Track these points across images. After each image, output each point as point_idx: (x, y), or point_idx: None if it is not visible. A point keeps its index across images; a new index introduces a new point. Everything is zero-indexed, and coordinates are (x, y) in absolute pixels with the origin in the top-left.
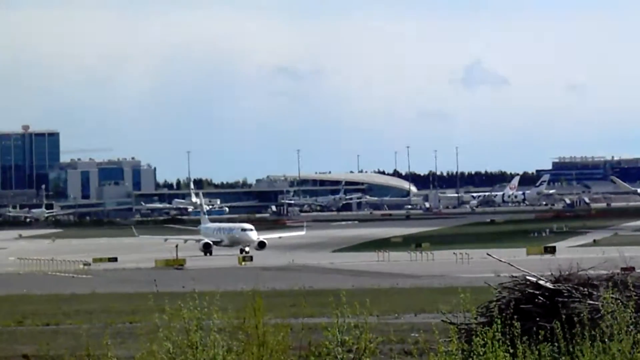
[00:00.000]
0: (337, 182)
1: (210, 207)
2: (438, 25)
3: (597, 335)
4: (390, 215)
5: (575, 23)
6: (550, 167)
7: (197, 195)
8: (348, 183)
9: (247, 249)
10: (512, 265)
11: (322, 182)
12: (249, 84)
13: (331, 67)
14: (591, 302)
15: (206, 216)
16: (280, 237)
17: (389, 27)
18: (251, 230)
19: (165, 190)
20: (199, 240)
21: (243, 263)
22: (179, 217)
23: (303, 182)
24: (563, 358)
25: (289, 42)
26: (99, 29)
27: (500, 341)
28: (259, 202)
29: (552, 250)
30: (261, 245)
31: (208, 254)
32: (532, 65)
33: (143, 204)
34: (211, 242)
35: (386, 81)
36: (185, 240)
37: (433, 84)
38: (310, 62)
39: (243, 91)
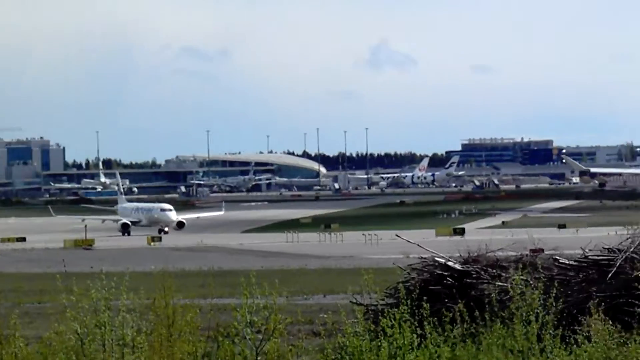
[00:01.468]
0: (247, 163)
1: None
2: (345, 5)
3: (506, 316)
4: (299, 196)
5: (483, 2)
6: (459, 148)
7: (108, 175)
8: (258, 164)
9: (166, 229)
10: (420, 247)
11: (232, 163)
12: (157, 64)
13: (240, 48)
14: (500, 283)
15: (123, 196)
16: (198, 217)
17: (297, 7)
18: (170, 210)
19: (74, 171)
20: (116, 221)
21: (152, 243)
22: (88, 197)
23: (212, 162)
24: (469, 340)
25: (197, 22)
26: (6, 7)
27: (408, 322)
28: (168, 182)
29: (461, 232)
30: (180, 225)
31: (126, 234)
32: (441, 45)
33: (52, 184)
34: (129, 222)
35: (295, 62)
36: (103, 221)
37: (342, 65)
38: (218, 43)
39: (151, 71)
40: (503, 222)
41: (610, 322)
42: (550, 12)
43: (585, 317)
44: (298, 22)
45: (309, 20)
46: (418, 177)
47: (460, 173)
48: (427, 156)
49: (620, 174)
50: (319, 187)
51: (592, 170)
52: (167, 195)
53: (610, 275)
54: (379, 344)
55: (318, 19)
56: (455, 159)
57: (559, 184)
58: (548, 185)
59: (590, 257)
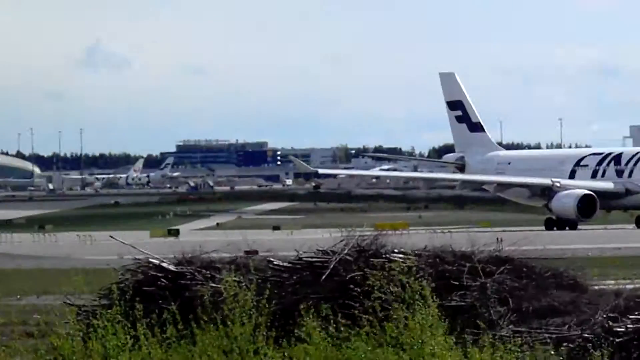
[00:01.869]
0: None
1: None
2: (59, 4)
3: (219, 318)
4: (13, 196)
5: (197, 3)
6: (174, 149)
7: None
8: None
9: None
10: (135, 248)
11: None
12: None
13: None
14: (213, 284)
15: None
16: None
17: (7, 6)
18: None
19: None
20: None
21: None
22: None
23: None
24: (183, 341)
25: None
26: None
27: (121, 324)
28: None
29: (176, 233)
30: None
31: None
32: (156, 47)
33: None
34: None
35: (8, 61)
36: None
37: (56, 65)
38: None
39: None
40: (218, 224)
41: (332, 322)
42: (265, 13)
43: (299, 318)
44: (9, 21)
45: (21, 19)
46: (133, 178)
47: (175, 174)
48: (142, 157)
49: (335, 176)
50: (33, 188)
51: (320, 171)
52: None
53: (324, 277)
54: (92, 345)
55: (31, 18)
56: (170, 160)
57: (268, 185)
58: (258, 187)
59: (304, 258)
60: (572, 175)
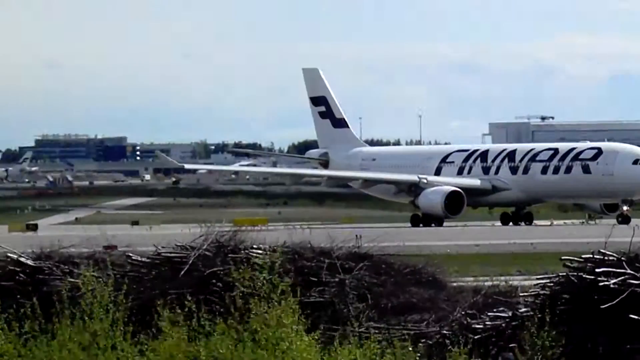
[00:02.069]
0: None
1: None
2: None
3: (78, 313)
4: None
5: None
6: (33, 144)
7: None
8: None
9: None
10: None
11: None
12: None
13: None
14: (71, 279)
15: None
16: None
17: None
18: None
19: None
20: None
21: None
22: None
23: None
24: (42, 336)
25: None
26: None
27: None
28: None
29: (34, 228)
30: None
31: None
32: (12, 40)
33: None
34: None
35: None
36: None
37: None
38: None
39: None
40: (76, 219)
41: (194, 317)
42: (121, 8)
43: (157, 313)
44: None
45: None
46: None
47: (33, 169)
48: (0, 151)
49: (194, 171)
50: None
51: (187, 166)
52: None
53: (183, 272)
54: None
55: None
56: (29, 154)
57: (126, 180)
58: (115, 182)
59: (163, 254)
60: (437, 172)
